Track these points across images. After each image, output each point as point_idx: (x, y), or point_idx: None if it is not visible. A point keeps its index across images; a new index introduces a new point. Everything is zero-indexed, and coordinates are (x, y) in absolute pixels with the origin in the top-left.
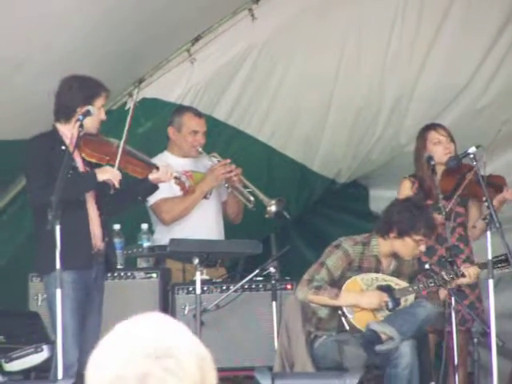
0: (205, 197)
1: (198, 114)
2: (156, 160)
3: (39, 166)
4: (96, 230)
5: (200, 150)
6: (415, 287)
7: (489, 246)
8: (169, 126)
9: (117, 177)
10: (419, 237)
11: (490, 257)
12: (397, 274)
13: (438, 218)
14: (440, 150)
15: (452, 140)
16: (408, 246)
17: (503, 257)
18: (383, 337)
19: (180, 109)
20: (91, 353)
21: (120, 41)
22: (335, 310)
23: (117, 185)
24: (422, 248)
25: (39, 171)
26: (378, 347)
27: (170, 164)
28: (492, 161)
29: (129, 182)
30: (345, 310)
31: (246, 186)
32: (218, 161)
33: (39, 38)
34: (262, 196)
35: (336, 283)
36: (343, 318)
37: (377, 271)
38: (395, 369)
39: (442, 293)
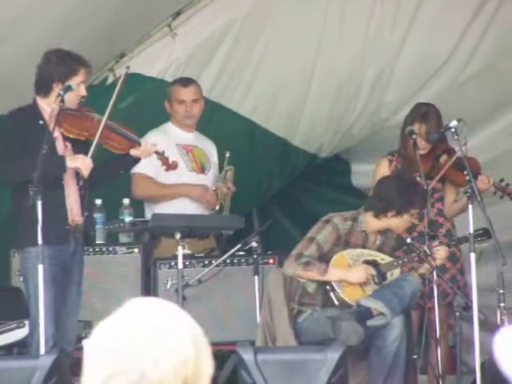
0: (203, 172)
1: (184, 84)
2: (161, 129)
3: (10, 143)
4: (73, 205)
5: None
6: (400, 261)
7: (470, 220)
8: (165, 100)
9: (87, 166)
10: (416, 210)
11: (471, 231)
12: (380, 249)
13: None
14: (417, 141)
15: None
16: (404, 222)
17: (481, 231)
18: (374, 312)
19: (172, 82)
20: (70, 328)
21: (101, 16)
22: (323, 284)
23: (85, 175)
24: (416, 221)
25: (8, 148)
26: (370, 322)
27: (174, 136)
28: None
29: (110, 156)
30: (334, 284)
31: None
32: (228, 188)
33: (21, 14)
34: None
35: (324, 258)
36: (332, 293)
37: (363, 246)
38: (384, 341)
39: (423, 267)
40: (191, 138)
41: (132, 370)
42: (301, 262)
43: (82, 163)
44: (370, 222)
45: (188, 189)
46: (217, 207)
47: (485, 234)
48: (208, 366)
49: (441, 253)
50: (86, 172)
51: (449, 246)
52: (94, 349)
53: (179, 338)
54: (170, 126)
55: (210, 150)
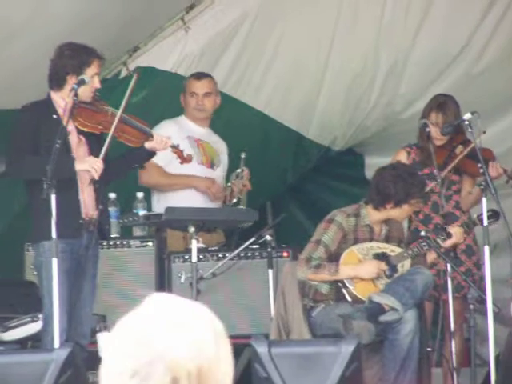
0: (212, 168)
1: (198, 77)
2: (175, 121)
3: (22, 138)
4: (87, 198)
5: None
6: (410, 252)
7: (484, 212)
8: (181, 93)
9: (98, 168)
10: (415, 200)
11: (485, 223)
12: (387, 238)
13: (433, 186)
14: (434, 131)
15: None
16: (404, 211)
17: (490, 212)
18: (386, 307)
19: (188, 75)
20: (85, 321)
21: (115, 10)
22: (335, 282)
23: (96, 177)
24: (417, 208)
25: (20, 144)
26: (383, 317)
27: (187, 128)
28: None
29: (125, 149)
30: (345, 281)
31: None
32: (243, 185)
33: (34, 9)
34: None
35: (333, 257)
36: (344, 289)
37: (371, 240)
38: (397, 335)
39: (430, 256)
40: (203, 132)
41: (150, 361)
42: (311, 266)
43: (91, 166)
44: (371, 214)
45: (195, 180)
46: (234, 200)
47: (493, 215)
48: (227, 363)
49: (456, 230)
50: (95, 174)
51: (468, 226)
52: (115, 343)
53: (199, 332)
54: (183, 119)
55: (222, 149)
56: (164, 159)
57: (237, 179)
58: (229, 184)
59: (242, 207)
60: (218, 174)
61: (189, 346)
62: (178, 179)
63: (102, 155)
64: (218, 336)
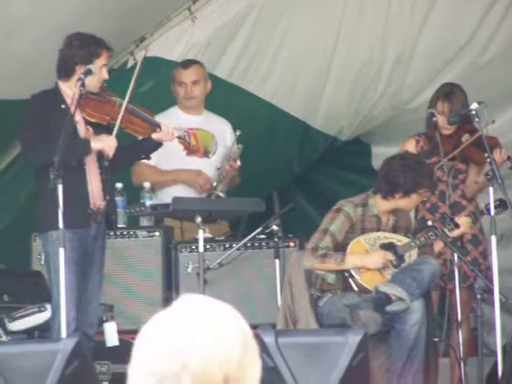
0: (206, 156)
1: (185, 66)
2: (166, 114)
3: (34, 125)
4: (95, 189)
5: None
6: (417, 241)
7: (491, 203)
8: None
9: (112, 146)
10: (423, 189)
11: (492, 213)
12: (394, 228)
13: (440, 175)
14: (441, 120)
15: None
16: (413, 201)
17: (497, 202)
18: (393, 297)
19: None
20: (92, 311)
21: (121, 0)
22: (341, 271)
23: (110, 155)
24: (425, 198)
25: (33, 131)
26: (389, 307)
27: (177, 120)
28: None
29: (132, 140)
30: (352, 271)
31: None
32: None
33: None
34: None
35: (340, 246)
36: (350, 279)
37: (378, 230)
38: (404, 325)
39: (437, 246)
40: (197, 120)
41: (176, 369)
42: (318, 255)
43: (106, 143)
44: (379, 203)
45: (181, 174)
46: (214, 183)
47: (500, 205)
48: (255, 369)
49: (463, 220)
50: (110, 152)
51: (474, 216)
52: (142, 345)
53: (228, 338)
54: (174, 110)
55: (222, 130)
56: (154, 158)
57: (225, 160)
58: (218, 167)
59: (220, 194)
60: (217, 159)
61: (217, 354)
62: (164, 176)
63: (114, 132)
64: (247, 342)
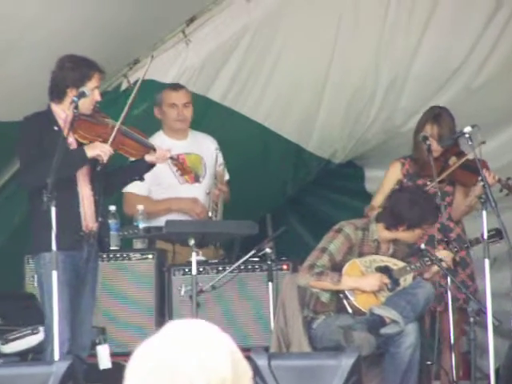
0: (197, 181)
1: (175, 88)
2: (151, 139)
3: (28, 147)
4: (88, 211)
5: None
6: (413, 266)
7: (484, 226)
8: (154, 106)
9: (107, 152)
10: (427, 225)
11: (485, 236)
12: (393, 257)
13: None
14: (433, 144)
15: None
16: (415, 235)
17: (494, 231)
18: (387, 320)
19: (161, 89)
20: (84, 333)
21: (115, 22)
22: (336, 292)
23: (105, 160)
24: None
25: (28, 152)
26: (383, 330)
27: (163, 146)
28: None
29: (125, 162)
30: (346, 292)
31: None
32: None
33: (33, 20)
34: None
35: (337, 267)
36: (345, 301)
37: (376, 255)
38: (398, 348)
39: (431, 270)
40: (183, 145)
41: None
42: (314, 273)
43: (102, 149)
44: (381, 232)
45: (177, 203)
46: (209, 213)
47: (497, 234)
48: (246, 381)
49: (442, 253)
50: (105, 157)
51: (471, 245)
52: (134, 368)
53: (217, 359)
54: (160, 136)
55: (208, 147)
56: (145, 188)
57: (213, 185)
58: (207, 192)
59: (216, 219)
60: (207, 182)
61: (208, 375)
62: (159, 205)
63: (110, 141)
64: (236, 361)
